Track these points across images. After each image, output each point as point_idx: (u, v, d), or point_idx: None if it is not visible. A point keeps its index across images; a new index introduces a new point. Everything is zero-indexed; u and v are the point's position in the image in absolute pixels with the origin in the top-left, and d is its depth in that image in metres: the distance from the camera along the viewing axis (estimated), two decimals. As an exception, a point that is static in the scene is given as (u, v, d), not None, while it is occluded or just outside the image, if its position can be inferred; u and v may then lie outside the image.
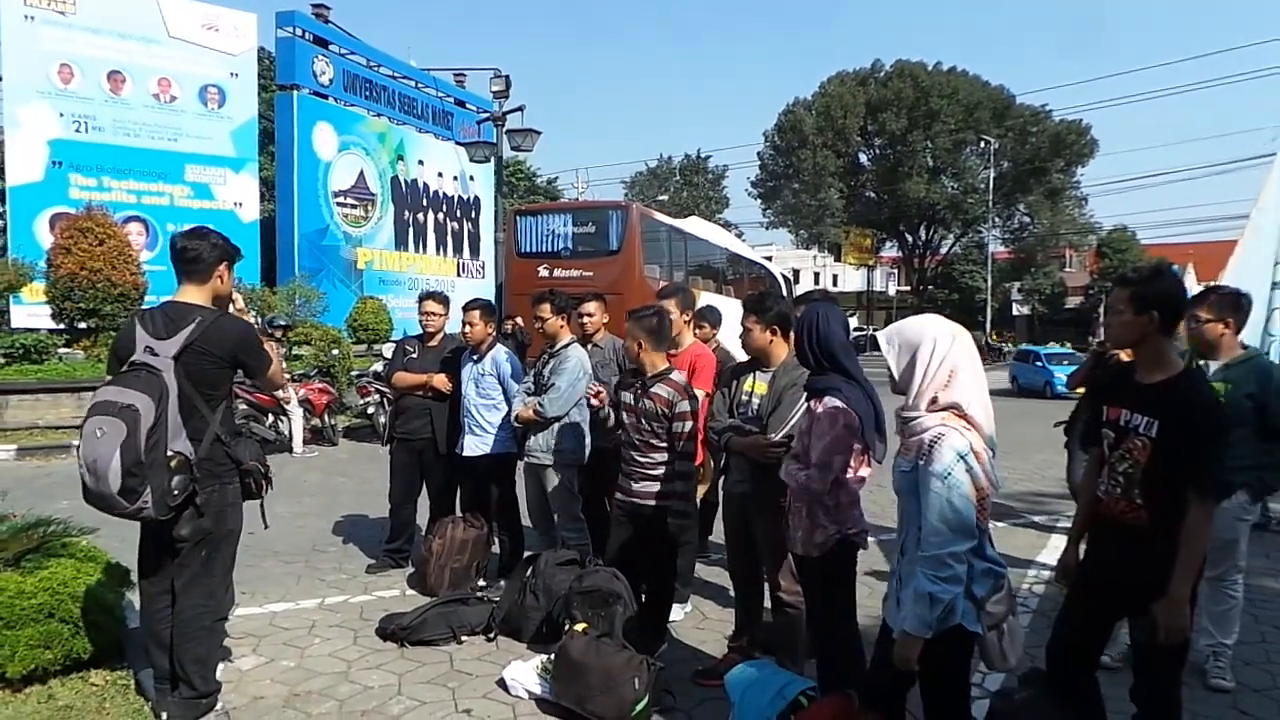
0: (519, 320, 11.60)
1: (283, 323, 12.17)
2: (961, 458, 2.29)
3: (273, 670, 3.95)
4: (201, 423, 3.20)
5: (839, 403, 2.93)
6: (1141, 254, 39.95)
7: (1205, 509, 2.53)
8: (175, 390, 3.10)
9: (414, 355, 5.57)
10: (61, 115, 15.82)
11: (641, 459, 4.00)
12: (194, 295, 3.30)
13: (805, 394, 3.15)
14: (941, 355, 2.40)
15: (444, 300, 5.70)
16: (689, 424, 3.91)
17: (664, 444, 3.96)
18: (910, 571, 2.42)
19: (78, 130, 15.98)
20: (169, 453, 3.05)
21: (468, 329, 5.22)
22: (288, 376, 10.55)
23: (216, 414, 3.25)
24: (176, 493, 3.07)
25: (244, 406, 9.64)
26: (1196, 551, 2.52)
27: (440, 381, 5.39)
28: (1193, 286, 5.46)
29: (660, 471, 3.97)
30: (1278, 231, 4.76)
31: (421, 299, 5.70)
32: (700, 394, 4.28)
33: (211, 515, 3.24)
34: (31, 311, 14.37)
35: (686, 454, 4.00)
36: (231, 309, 3.52)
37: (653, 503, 3.98)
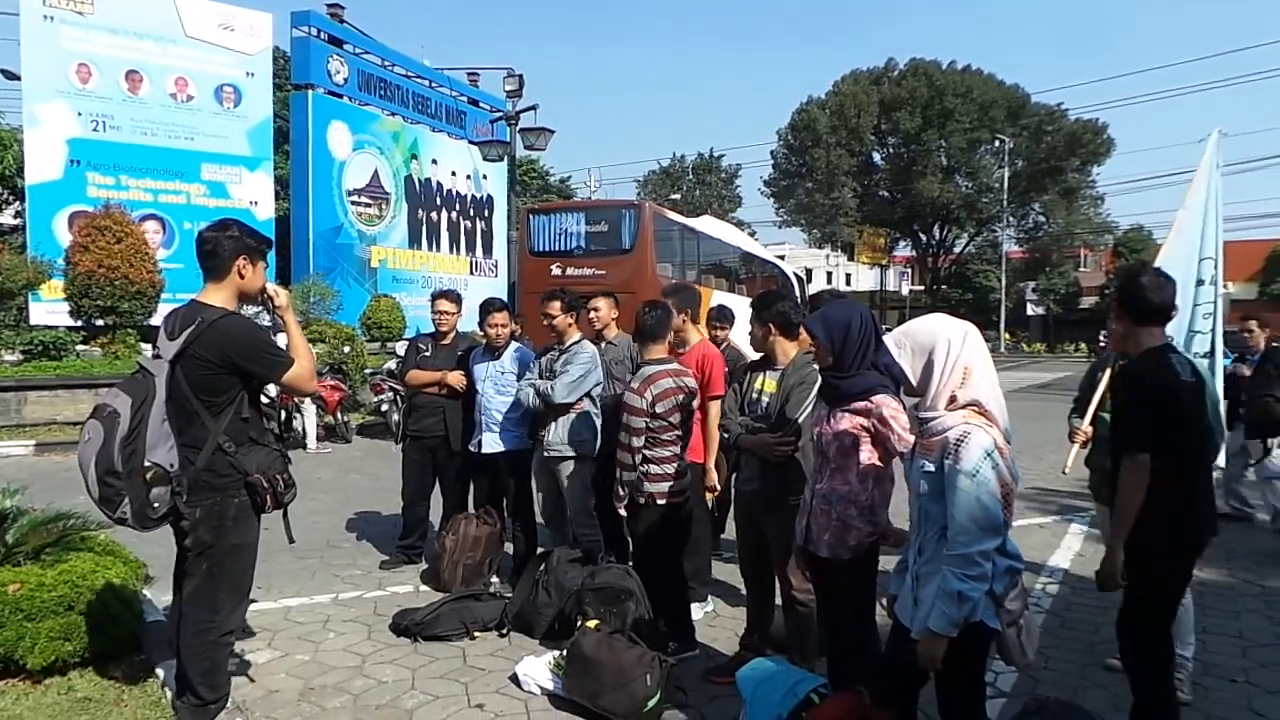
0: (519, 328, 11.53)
1: (297, 320, 12.22)
2: (988, 455, 2.29)
3: (287, 664, 3.99)
4: (202, 430, 2.99)
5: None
6: (1156, 253, 39.55)
7: (1131, 465, 2.85)
8: (163, 396, 2.91)
9: (427, 353, 5.60)
10: (80, 114, 15.97)
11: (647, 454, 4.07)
12: (214, 292, 3.11)
13: (851, 395, 2.93)
14: (956, 354, 2.41)
15: (457, 299, 5.73)
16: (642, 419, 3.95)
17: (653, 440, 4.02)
18: (931, 570, 2.42)
19: (96, 129, 16.13)
20: (146, 464, 2.86)
21: (496, 330, 5.19)
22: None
23: (220, 420, 3.01)
24: (157, 505, 2.89)
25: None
26: (1125, 506, 2.86)
27: (455, 379, 5.42)
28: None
29: (650, 469, 4.01)
30: (1200, 227, 4.81)
31: (434, 298, 5.73)
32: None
33: (210, 529, 3.03)
34: (50, 308, 14.51)
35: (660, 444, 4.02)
36: (272, 305, 3.27)
37: (647, 501, 4.05)
